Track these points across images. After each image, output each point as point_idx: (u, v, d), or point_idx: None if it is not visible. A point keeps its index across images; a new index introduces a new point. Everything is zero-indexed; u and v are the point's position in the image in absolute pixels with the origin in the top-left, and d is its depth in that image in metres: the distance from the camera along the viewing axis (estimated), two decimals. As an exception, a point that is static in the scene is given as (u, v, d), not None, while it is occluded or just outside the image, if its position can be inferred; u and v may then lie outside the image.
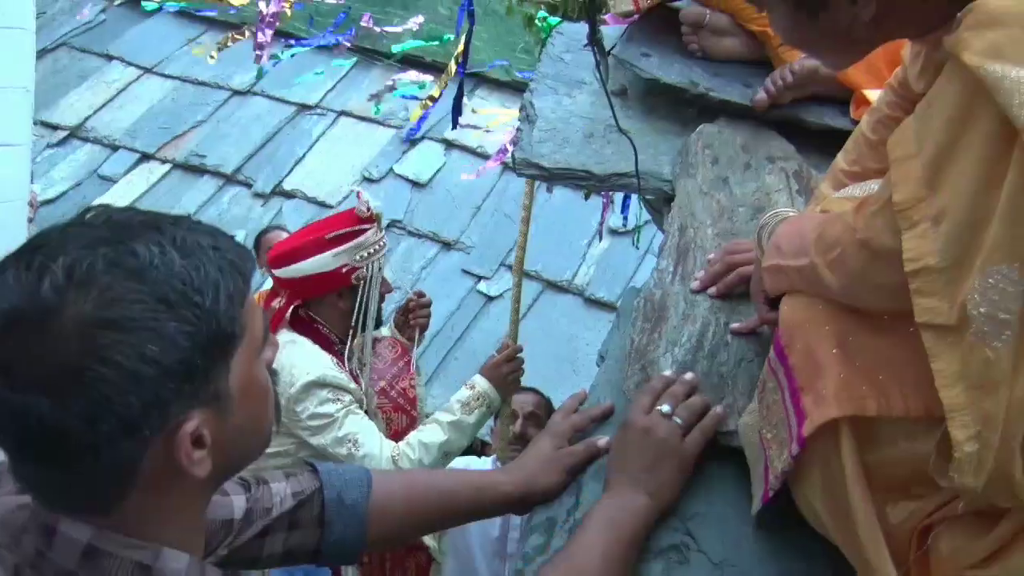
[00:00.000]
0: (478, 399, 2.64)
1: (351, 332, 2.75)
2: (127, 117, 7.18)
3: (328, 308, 2.77)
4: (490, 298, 6.07)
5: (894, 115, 1.20)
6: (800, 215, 1.21)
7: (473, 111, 6.41)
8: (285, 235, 4.58)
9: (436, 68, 6.39)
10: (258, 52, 5.03)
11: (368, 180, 6.84)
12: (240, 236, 6.44)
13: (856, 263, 0.93)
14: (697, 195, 1.51)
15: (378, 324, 3.08)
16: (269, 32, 4.85)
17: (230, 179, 6.87)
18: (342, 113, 7.27)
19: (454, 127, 4.89)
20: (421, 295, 3.31)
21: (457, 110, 4.27)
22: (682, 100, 1.74)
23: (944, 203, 0.81)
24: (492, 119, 6.17)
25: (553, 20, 3.22)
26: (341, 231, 2.78)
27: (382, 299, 2.90)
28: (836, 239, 0.95)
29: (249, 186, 6.84)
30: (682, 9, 1.78)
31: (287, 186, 6.80)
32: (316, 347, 2.69)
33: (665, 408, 1.14)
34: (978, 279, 0.78)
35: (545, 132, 1.68)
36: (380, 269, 2.76)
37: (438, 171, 6.89)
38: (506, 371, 2.70)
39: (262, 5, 4.83)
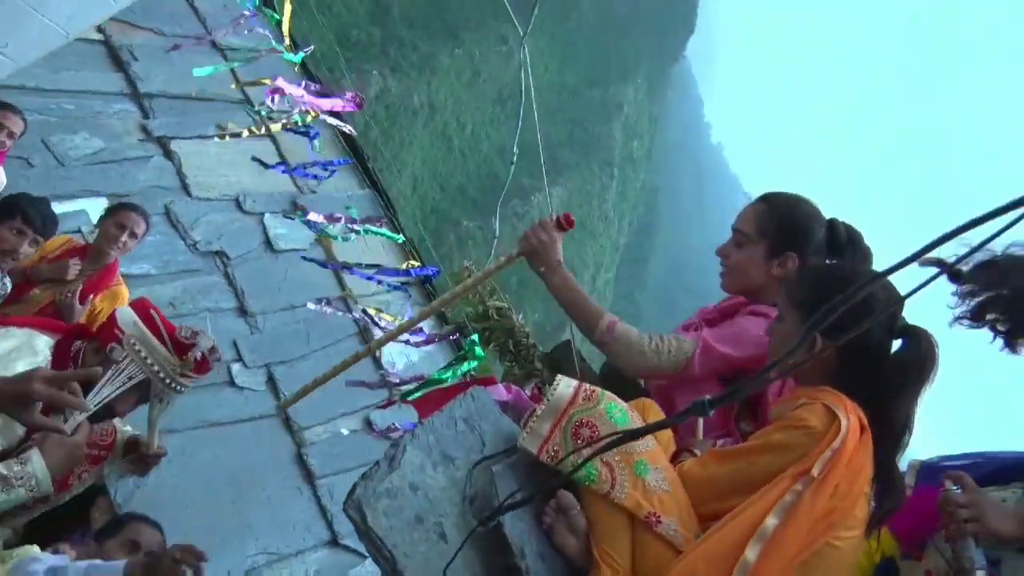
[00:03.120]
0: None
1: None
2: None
3: (86, 355, 2.64)
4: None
5: None
6: None
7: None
8: (141, 218, 4.38)
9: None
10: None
11: (238, 205, 6.66)
12: (96, 144, 6.05)
13: None
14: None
15: (105, 415, 2.86)
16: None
17: (137, 96, 6.53)
18: (273, 138, 7.14)
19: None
20: (162, 454, 3.20)
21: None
22: (507, 550, 1.82)
23: None
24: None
25: (479, 351, 3.33)
26: (159, 321, 2.70)
27: (106, 414, 2.74)
28: None
29: (147, 116, 6.52)
30: (562, 491, 1.91)
31: (174, 146, 6.51)
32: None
33: None
34: None
35: (393, 488, 1.72)
36: (131, 379, 2.59)
37: (296, 250, 6.79)
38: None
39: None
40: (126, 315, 2.63)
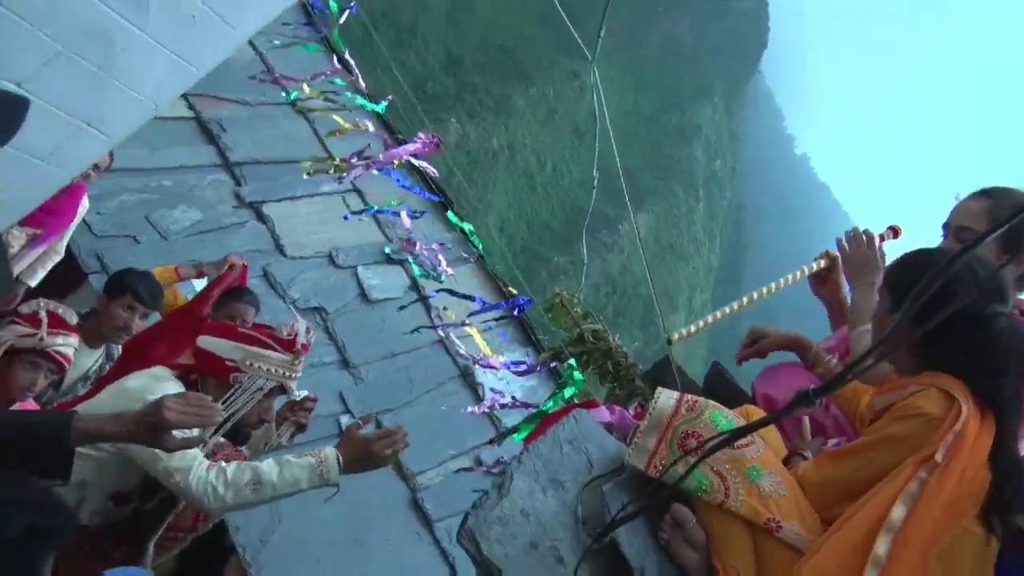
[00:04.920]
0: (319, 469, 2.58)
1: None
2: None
3: (206, 391, 2.74)
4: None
5: None
6: None
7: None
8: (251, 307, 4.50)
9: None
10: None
11: (331, 261, 6.83)
12: (194, 216, 6.32)
13: None
14: None
15: (242, 440, 3.03)
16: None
17: (228, 165, 6.79)
18: (358, 191, 7.32)
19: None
20: (312, 398, 3.33)
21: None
22: (626, 569, 1.79)
23: None
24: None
25: (577, 375, 3.33)
26: (255, 333, 2.82)
27: (256, 422, 2.87)
28: None
29: (238, 183, 6.76)
30: (676, 504, 1.87)
31: (266, 209, 6.73)
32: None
33: None
34: None
35: (504, 515, 1.72)
36: (261, 390, 2.76)
37: (391, 299, 6.91)
38: (378, 448, 2.63)
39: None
40: (219, 345, 2.74)
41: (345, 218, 6.97)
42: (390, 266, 7.00)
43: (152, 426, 2.01)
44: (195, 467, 2.50)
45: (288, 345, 2.79)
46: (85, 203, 4.83)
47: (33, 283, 4.84)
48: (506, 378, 5.93)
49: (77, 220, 4.83)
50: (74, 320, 3.27)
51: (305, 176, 6.37)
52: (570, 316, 4.71)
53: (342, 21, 7.15)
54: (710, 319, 2.62)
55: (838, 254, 2.68)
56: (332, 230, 7.02)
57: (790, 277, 2.78)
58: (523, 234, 58.10)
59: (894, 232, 2.59)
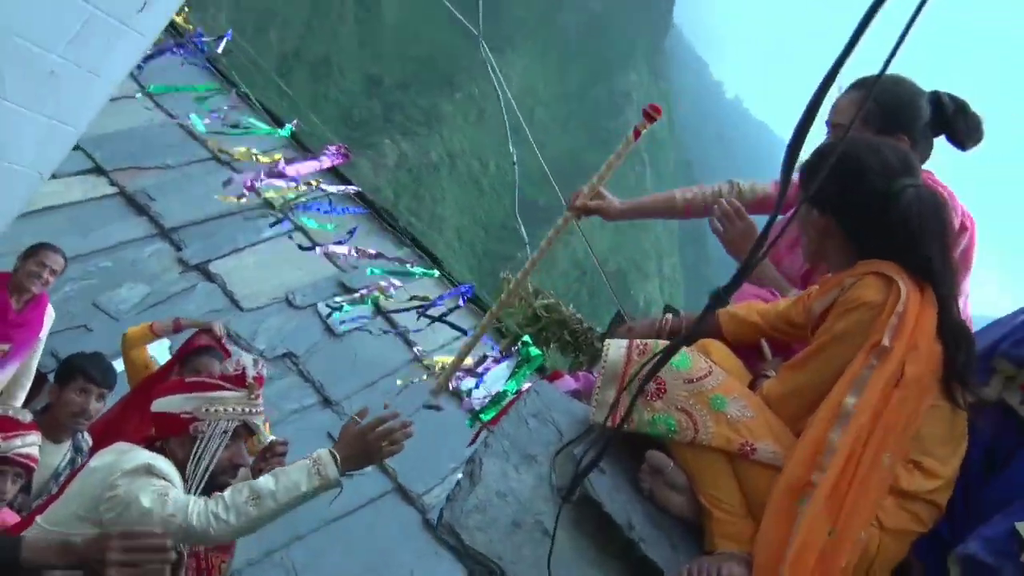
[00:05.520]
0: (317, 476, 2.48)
1: (184, 483, 2.64)
2: (104, 126, 7.03)
3: (173, 453, 2.68)
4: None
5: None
6: None
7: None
8: (59, 256, 4.47)
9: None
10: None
11: (288, 303, 6.76)
12: (142, 291, 6.24)
13: None
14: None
15: (221, 489, 2.94)
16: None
17: (164, 233, 6.70)
18: (301, 228, 7.25)
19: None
20: (282, 442, 3.27)
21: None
22: (615, 528, 1.77)
23: None
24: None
25: (533, 351, 3.31)
26: (203, 379, 2.77)
27: (230, 468, 2.80)
28: None
29: (178, 248, 6.68)
30: (650, 451, 1.86)
31: (212, 268, 6.66)
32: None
33: None
34: None
35: (481, 501, 1.69)
36: (226, 432, 2.69)
37: (356, 329, 6.85)
38: (373, 439, 2.51)
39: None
40: (171, 403, 2.68)
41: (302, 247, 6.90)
42: (348, 295, 6.95)
43: (98, 563, 1.95)
44: (191, 504, 2.45)
45: (239, 381, 2.73)
46: (50, 312, 4.72)
47: (18, 404, 4.70)
48: (481, 375, 5.91)
49: (45, 331, 4.71)
50: (28, 418, 3.18)
51: (248, 248, 6.34)
52: (522, 299, 4.69)
53: (220, 50, 7.11)
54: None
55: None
56: (283, 273, 6.95)
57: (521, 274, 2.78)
58: (481, 238, 58.05)
59: (649, 118, 2.54)
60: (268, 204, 7.18)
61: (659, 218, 2.89)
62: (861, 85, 2.51)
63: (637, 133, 2.43)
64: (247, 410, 2.70)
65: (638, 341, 1.91)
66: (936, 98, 2.48)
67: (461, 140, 60.86)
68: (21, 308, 4.47)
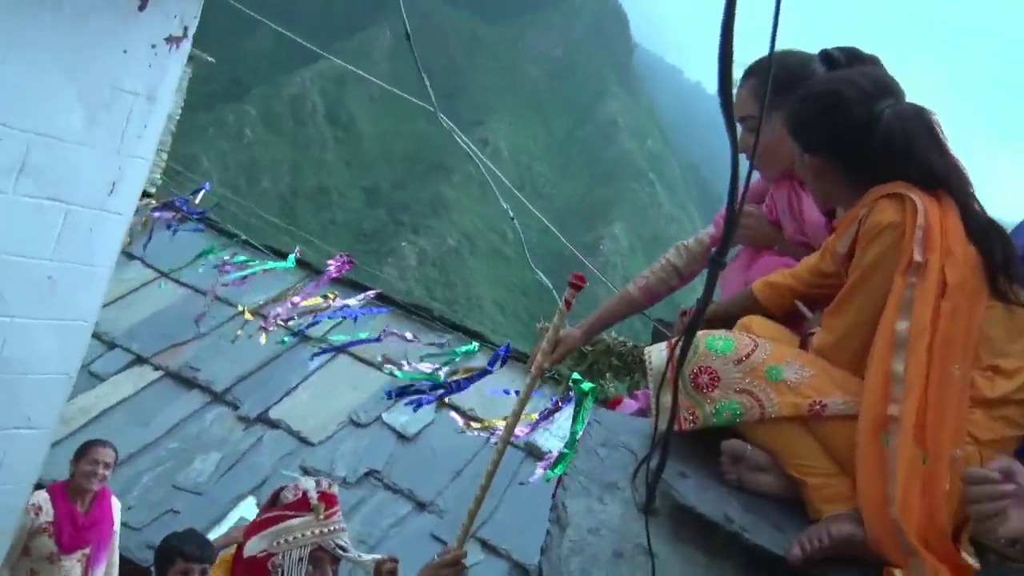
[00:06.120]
0: None
1: None
2: (131, 317, 7.23)
3: None
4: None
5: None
6: None
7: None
8: (108, 449, 4.55)
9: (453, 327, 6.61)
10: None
11: (354, 424, 6.80)
12: (215, 458, 6.31)
13: None
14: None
15: None
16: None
17: (217, 397, 6.81)
18: (340, 349, 7.33)
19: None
20: (390, 559, 3.24)
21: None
22: (714, 526, 1.74)
23: None
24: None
25: (586, 385, 3.30)
26: (267, 515, 2.76)
27: None
28: None
29: (235, 408, 6.77)
30: (724, 441, 1.83)
31: (272, 415, 6.74)
32: None
33: None
34: None
35: (575, 543, 1.67)
36: (302, 560, 2.67)
37: (426, 426, 6.86)
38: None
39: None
40: (250, 547, 2.68)
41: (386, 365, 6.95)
42: (408, 397, 6.98)
43: None
44: None
45: (303, 505, 2.73)
46: (116, 504, 4.82)
47: None
48: (551, 428, 5.89)
49: (117, 523, 4.81)
50: None
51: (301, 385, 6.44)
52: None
53: (199, 200, 7.34)
54: (480, 495, 2.56)
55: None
56: (340, 397, 7.02)
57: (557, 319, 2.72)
58: (523, 302, 58.19)
59: (575, 287, 2.56)
60: (304, 336, 7.29)
61: (623, 319, 2.85)
62: (751, 73, 2.57)
63: (568, 303, 2.48)
64: (321, 530, 2.69)
65: (673, 340, 1.90)
66: (826, 55, 2.49)
67: (472, 219, 61.54)
68: (87, 509, 4.58)
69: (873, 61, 2.49)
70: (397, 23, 5.41)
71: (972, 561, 1.59)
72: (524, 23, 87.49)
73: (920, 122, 1.83)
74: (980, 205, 1.85)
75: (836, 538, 1.65)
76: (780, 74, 2.46)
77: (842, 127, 1.88)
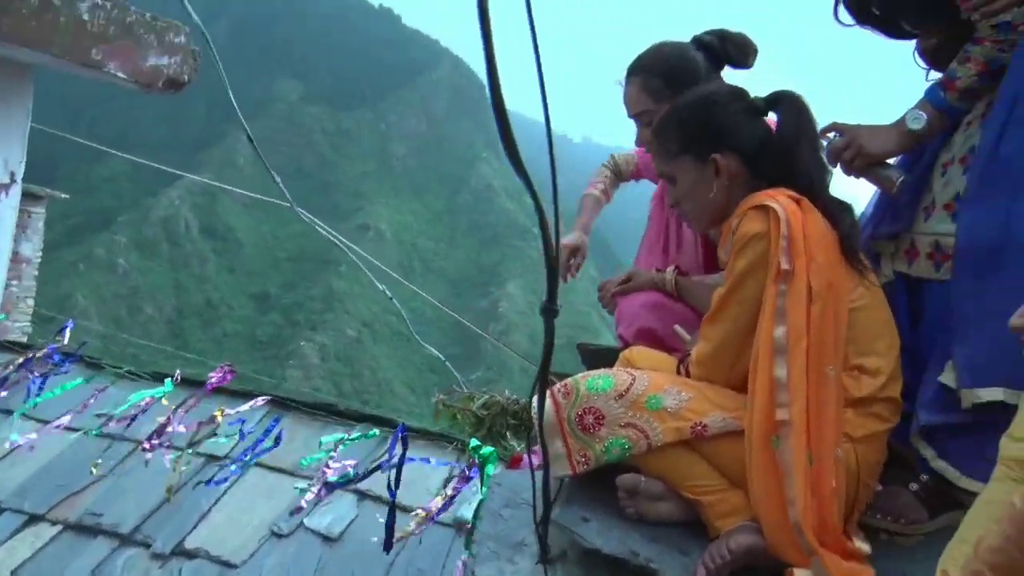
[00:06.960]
0: None
1: None
2: (17, 476, 6.84)
3: None
4: None
5: None
6: None
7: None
8: None
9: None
10: None
11: (276, 535, 6.56)
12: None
13: None
14: None
15: None
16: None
17: (126, 540, 6.48)
18: (245, 462, 7.10)
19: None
20: None
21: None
22: (623, 563, 1.75)
23: None
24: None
25: (486, 450, 3.30)
26: None
27: None
28: None
29: (147, 547, 6.45)
30: (619, 476, 1.85)
31: (188, 545, 6.44)
32: None
33: None
34: None
35: (489, 611, 1.65)
36: None
37: (351, 523, 6.67)
38: None
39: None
40: None
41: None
42: (326, 498, 6.79)
43: None
44: None
45: None
46: None
47: None
48: (470, 498, 5.82)
49: None
50: None
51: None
52: (459, 410, 4.67)
53: (67, 340, 7.11)
54: None
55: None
56: (256, 510, 6.75)
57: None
58: (432, 380, 57.74)
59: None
60: (211, 457, 7.03)
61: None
62: (634, 71, 2.64)
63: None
64: None
65: (559, 385, 1.92)
66: (699, 41, 2.62)
67: (368, 305, 61.04)
68: None
69: (742, 37, 2.60)
70: (254, 127, 5.39)
71: (864, 546, 1.66)
72: (384, 106, 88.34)
73: (805, 117, 1.95)
74: (827, 195, 1.96)
75: (737, 551, 1.68)
76: (665, 69, 2.54)
77: (732, 116, 1.99)
